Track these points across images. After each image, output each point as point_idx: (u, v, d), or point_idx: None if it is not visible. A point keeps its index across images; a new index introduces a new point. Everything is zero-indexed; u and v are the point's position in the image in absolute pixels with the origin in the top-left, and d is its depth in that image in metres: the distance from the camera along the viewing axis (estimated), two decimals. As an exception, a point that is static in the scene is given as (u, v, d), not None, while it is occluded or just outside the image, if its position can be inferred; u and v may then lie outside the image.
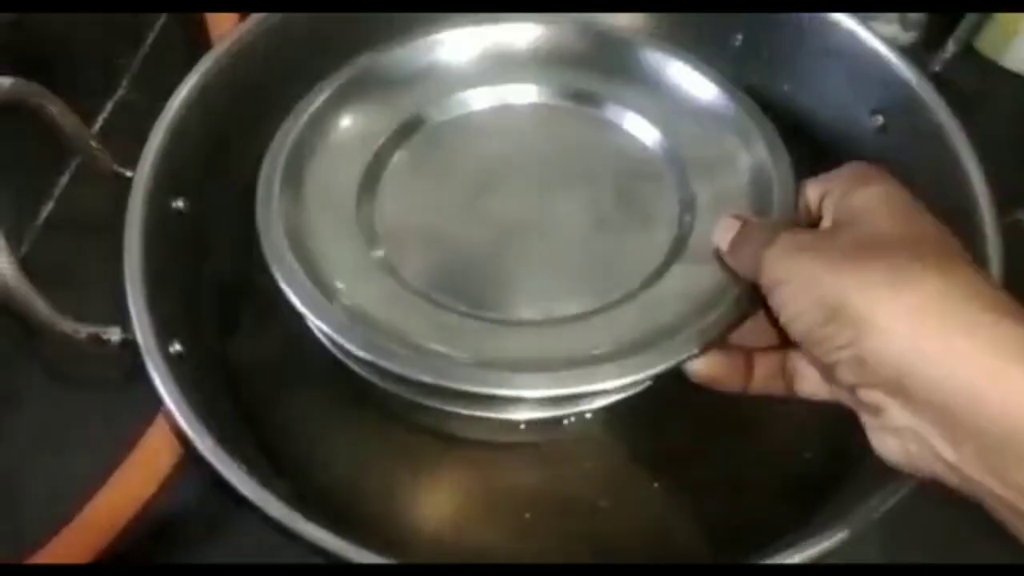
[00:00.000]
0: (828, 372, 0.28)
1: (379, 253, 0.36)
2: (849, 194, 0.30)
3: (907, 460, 0.27)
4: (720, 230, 0.34)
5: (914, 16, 0.52)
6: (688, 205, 0.37)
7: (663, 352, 0.32)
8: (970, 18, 0.42)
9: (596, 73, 0.42)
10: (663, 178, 0.39)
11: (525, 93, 0.41)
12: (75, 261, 0.45)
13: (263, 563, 0.36)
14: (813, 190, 0.33)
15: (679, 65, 0.41)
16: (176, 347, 0.34)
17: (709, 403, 0.39)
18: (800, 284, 0.28)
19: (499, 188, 0.38)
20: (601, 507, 0.37)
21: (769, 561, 0.30)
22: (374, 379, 0.34)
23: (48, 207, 0.49)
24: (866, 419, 0.28)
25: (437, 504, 0.38)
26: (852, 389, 0.27)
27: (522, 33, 0.42)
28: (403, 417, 0.38)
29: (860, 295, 0.26)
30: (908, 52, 0.42)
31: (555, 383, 0.31)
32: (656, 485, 0.38)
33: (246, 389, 0.38)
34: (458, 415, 0.35)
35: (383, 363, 0.31)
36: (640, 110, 0.40)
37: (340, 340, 0.32)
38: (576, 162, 0.39)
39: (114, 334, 0.33)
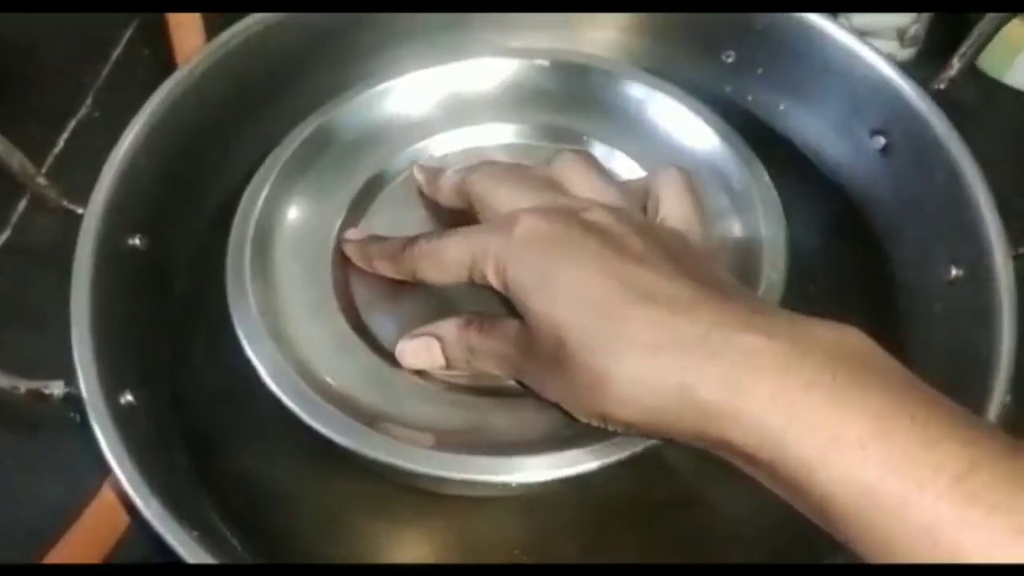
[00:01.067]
0: None
1: (354, 321, 0.33)
2: None
3: None
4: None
5: (912, 31, 0.50)
6: None
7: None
8: (976, 35, 0.39)
9: (577, 110, 0.38)
10: None
11: (494, 134, 0.38)
12: (29, 294, 0.43)
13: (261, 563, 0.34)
14: None
15: (671, 103, 0.37)
16: (127, 397, 0.32)
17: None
18: None
19: None
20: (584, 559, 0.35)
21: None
22: None
23: (5, 235, 0.46)
24: None
25: (412, 560, 0.35)
26: None
27: (487, 72, 0.39)
28: (372, 469, 0.36)
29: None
30: (908, 69, 0.39)
31: (551, 465, 0.29)
32: (639, 537, 0.35)
33: (203, 437, 0.35)
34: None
35: (371, 454, 0.29)
36: (630, 152, 0.37)
37: (333, 437, 0.29)
38: None
39: (56, 388, 0.30)
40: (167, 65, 0.46)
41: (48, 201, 0.35)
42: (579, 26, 0.44)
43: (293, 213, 0.35)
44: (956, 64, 0.40)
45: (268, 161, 0.35)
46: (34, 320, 0.41)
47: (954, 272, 0.36)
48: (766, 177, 0.35)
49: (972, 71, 0.51)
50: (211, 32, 0.46)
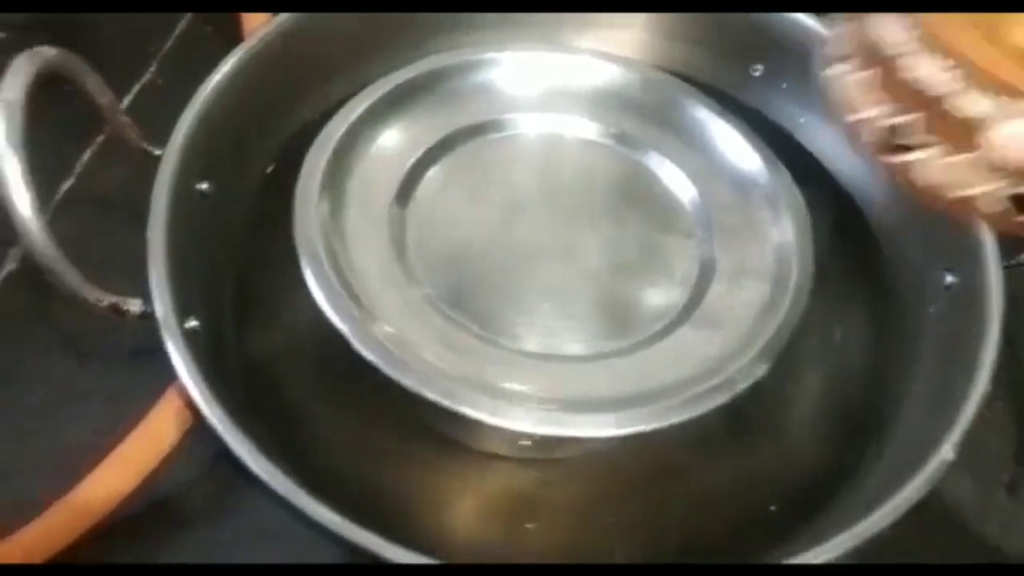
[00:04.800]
0: None
1: (404, 263, 0.36)
2: None
3: None
4: None
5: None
6: (708, 269, 0.38)
7: (651, 413, 0.33)
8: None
9: (646, 119, 0.42)
10: (690, 236, 0.39)
11: (574, 125, 0.42)
12: (93, 236, 0.46)
13: (260, 563, 0.36)
14: None
15: (726, 127, 0.42)
16: (192, 323, 0.35)
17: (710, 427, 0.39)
18: None
19: (529, 214, 0.39)
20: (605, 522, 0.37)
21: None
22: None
23: (68, 183, 0.49)
24: None
25: (445, 503, 0.38)
26: None
27: (582, 68, 0.43)
28: (418, 415, 0.38)
29: None
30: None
31: (542, 423, 0.32)
32: (651, 504, 0.38)
33: (258, 372, 0.38)
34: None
35: (394, 375, 0.32)
36: (680, 164, 0.41)
37: (359, 348, 0.33)
38: (610, 203, 0.40)
39: (134, 305, 0.33)
40: (229, 40, 0.49)
41: (129, 139, 0.38)
42: (613, 27, 0.48)
43: (370, 148, 0.39)
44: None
45: (360, 95, 0.39)
46: (99, 261, 0.44)
47: (949, 279, 0.39)
48: (798, 194, 0.40)
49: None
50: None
